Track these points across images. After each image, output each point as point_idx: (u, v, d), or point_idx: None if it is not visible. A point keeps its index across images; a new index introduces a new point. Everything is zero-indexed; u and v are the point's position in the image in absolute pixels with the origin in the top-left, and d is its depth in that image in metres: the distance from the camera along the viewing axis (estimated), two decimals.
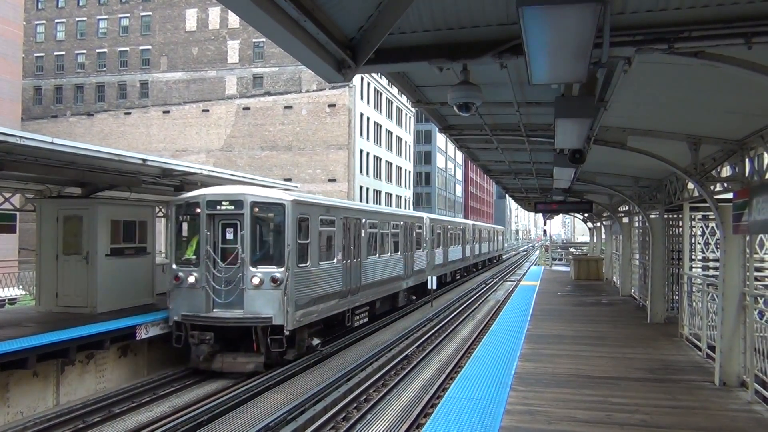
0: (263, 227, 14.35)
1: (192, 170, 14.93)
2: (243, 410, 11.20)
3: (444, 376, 13.82)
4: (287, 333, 13.51)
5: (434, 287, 26.50)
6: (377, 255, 20.55)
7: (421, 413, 11.09)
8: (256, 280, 13.57)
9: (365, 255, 19.16)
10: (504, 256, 77.78)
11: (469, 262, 43.55)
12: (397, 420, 10.90)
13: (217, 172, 16.83)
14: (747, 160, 8.42)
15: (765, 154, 8.04)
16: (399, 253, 23.36)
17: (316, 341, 15.41)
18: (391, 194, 70.34)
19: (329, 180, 56.62)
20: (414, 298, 26.68)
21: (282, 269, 13.66)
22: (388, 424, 10.74)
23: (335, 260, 16.59)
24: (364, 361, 15.12)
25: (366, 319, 19.59)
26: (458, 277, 39.03)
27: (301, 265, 14.30)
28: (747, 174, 8.40)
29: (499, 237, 69.27)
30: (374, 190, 63.97)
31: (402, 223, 24.12)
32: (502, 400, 8.04)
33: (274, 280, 13.56)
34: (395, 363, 15.39)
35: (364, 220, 19.15)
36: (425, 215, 30.29)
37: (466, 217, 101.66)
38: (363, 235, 19.02)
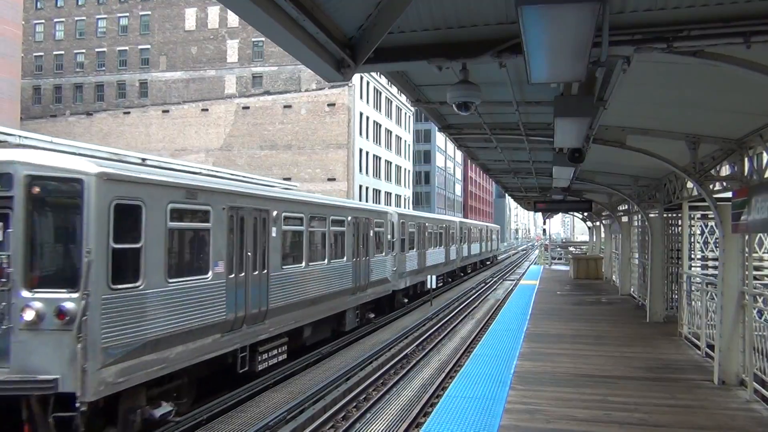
0: (49, 220, 8.65)
1: (192, 170, 14.92)
2: (242, 410, 11.20)
3: (443, 375, 13.83)
4: (81, 407, 7.82)
5: (434, 286, 26.50)
6: (303, 263, 14.58)
7: (421, 412, 11.10)
8: (29, 315, 7.85)
9: (279, 264, 13.21)
10: (502, 257, 75.91)
11: (455, 266, 37.71)
12: (397, 419, 10.92)
13: (217, 172, 16.82)
14: (746, 159, 8.43)
15: (764, 153, 8.05)
16: (345, 259, 17.48)
17: (164, 410, 9.52)
18: (390, 193, 70.35)
19: (329, 179, 56.62)
20: (372, 316, 20.81)
21: (76, 294, 7.95)
22: (387, 423, 10.75)
23: (209, 274, 10.61)
24: (363, 360, 15.13)
25: (283, 356, 13.59)
26: (440, 284, 32.53)
27: (119, 287, 8.52)
28: (746, 173, 8.42)
29: (494, 236, 62.59)
30: (374, 189, 63.98)
31: (350, 218, 17.91)
32: (501, 398, 8.05)
33: (61, 313, 7.88)
34: (395, 362, 15.40)
35: (275, 213, 13.12)
36: (391, 209, 24.13)
37: (465, 216, 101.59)
38: (274, 234, 13.05)
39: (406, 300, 25.41)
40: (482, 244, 51.63)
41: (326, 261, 16.12)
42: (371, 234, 20.05)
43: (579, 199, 21.96)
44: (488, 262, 58.08)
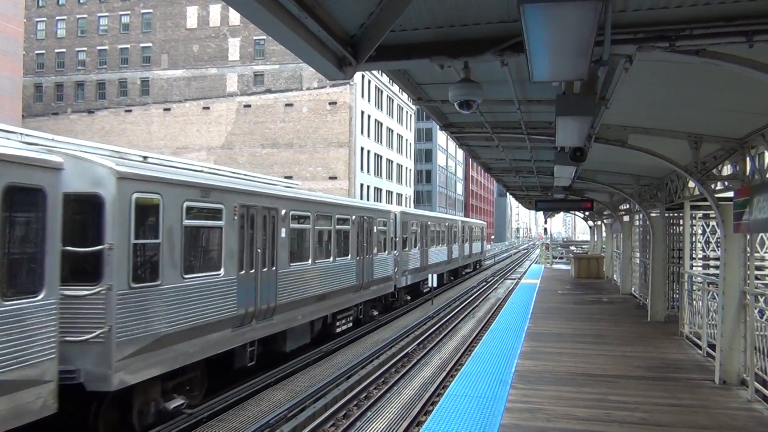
0: None
1: (194, 168, 14.93)
2: (243, 407, 11.21)
3: (444, 374, 13.82)
4: None
5: (435, 285, 26.50)
6: None
7: (422, 411, 11.09)
8: None
9: None
10: (498, 259, 68.45)
11: (394, 286, 22.22)
12: (398, 417, 10.91)
13: (218, 170, 16.80)
14: (748, 158, 8.42)
15: (766, 153, 8.04)
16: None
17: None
18: (392, 192, 70.34)
19: (330, 178, 56.60)
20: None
21: None
22: (388, 421, 10.75)
23: None
24: (364, 359, 15.13)
25: None
26: (378, 315, 21.11)
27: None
28: (748, 172, 8.41)
29: (475, 235, 44.86)
30: (375, 187, 63.97)
31: None
32: (502, 397, 8.05)
33: None
34: (396, 361, 15.40)
35: None
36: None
37: (466, 215, 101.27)
38: None
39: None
40: (454, 249, 34.79)
41: None
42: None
43: (580, 198, 21.94)
44: (467, 270, 42.28)
